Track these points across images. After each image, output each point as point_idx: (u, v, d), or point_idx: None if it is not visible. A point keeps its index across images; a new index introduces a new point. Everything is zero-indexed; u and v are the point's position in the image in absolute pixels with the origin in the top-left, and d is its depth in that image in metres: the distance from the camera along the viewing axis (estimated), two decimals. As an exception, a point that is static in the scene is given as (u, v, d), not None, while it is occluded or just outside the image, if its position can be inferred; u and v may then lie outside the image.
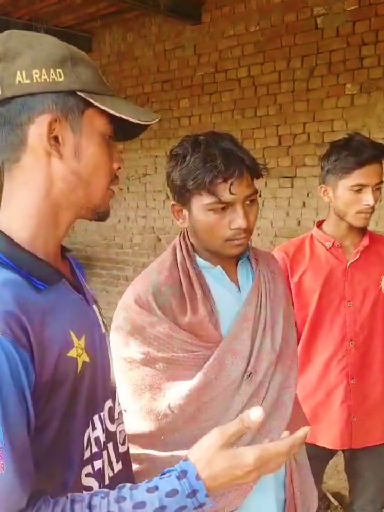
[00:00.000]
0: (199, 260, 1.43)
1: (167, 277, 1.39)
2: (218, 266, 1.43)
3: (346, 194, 1.86)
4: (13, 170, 0.94)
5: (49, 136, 0.91)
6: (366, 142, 1.88)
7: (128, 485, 0.89)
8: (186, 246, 1.44)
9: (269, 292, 1.47)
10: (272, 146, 4.91)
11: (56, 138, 0.92)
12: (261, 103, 4.93)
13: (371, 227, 4.24)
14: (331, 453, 2.09)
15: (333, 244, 1.97)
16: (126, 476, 1.10)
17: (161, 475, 0.90)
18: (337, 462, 2.84)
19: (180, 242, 1.45)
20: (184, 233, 1.47)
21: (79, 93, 0.91)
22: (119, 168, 1.01)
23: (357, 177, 1.83)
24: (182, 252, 1.43)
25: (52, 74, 0.90)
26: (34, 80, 0.89)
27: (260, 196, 5.05)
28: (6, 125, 0.91)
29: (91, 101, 0.92)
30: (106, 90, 0.97)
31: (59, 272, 0.97)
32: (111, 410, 1.07)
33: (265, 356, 1.40)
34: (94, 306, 1.09)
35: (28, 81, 0.89)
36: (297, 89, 4.68)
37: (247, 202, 1.35)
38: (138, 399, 1.38)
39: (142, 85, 5.86)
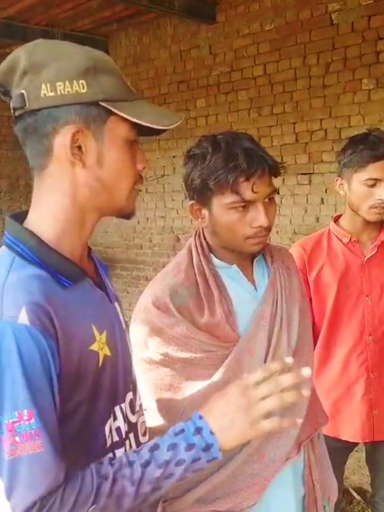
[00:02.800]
0: (215, 260, 1.44)
1: (183, 278, 1.40)
2: (234, 266, 1.44)
3: (360, 188, 1.87)
4: (42, 175, 1.00)
5: (72, 146, 0.95)
6: (383, 137, 1.88)
7: (148, 445, 0.96)
8: (202, 246, 1.44)
9: (284, 288, 1.47)
10: (289, 143, 4.91)
11: (79, 147, 0.96)
12: (277, 100, 4.94)
13: None
14: (352, 446, 2.09)
15: (350, 239, 1.98)
16: None
17: (175, 431, 0.97)
18: (360, 457, 2.84)
19: (196, 243, 1.46)
20: (199, 233, 1.48)
21: (101, 103, 0.95)
22: (144, 168, 1.04)
23: (371, 171, 1.84)
24: (198, 252, 1.43)
25: (75, 86, 0.93)
26: (59, 93, 0.93)
27: (278, 193, 5.05)
28: (33, 134, 0.97)
29: (113, 110, 0.95)
30: (130, 95, 1.00)
31: (83, 270, 1.01)
32: (132, 402, 1.11)
33: (281, 353, 1.40)
34: (116, 303, 1.14)
35: (52, 93, 0.93)
36: (313, 86, 4.67)
37: (267, 200, 1.35)
38: (158, 399, 1.40)
39: (159, 86, 5.89)
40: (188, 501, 1.35)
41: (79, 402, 0.95)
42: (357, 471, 3.13)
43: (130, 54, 6.12)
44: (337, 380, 1.99)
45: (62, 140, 0.95)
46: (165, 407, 1.39)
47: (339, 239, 2.00)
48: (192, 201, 1.42)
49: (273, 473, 1.38)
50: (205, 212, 1.39)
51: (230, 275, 1.43)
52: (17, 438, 0.83)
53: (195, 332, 1.35)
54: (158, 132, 1.03)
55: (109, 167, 0.98)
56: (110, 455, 0.94)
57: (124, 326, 1.13)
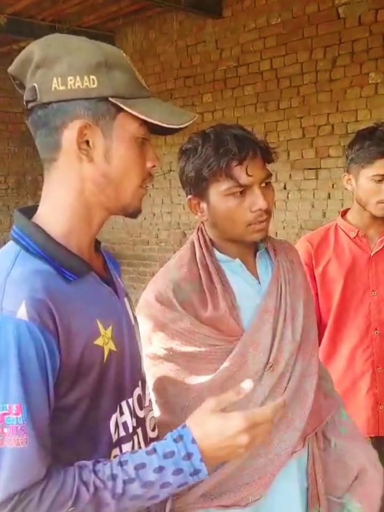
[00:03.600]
0: (218, 254, 1.43)
1: (186, 272, 1.40)
2: (237, 260, 1.43)
3: (368, 183, 1.87)
4: (51, 169, 1.00)
5: (80, 141, 0.96)
6: None
7: (135, 461, 0.93)
8: (205, 240, 1.44)
9: (288, 282, 1.46)
10: (296, 138, 4.89)
11: (87, 142, 0.96)
12: (284, 95, 4.92)
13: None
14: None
15: (357, 233, 1.98)
16: None
17: (165, 453, 0.94)
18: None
19: (198, 237, 1.45)
20: (201, 228, 1.47)
21: (111, 99, 0.95)
22: (154, 166, 1.04)
23: (378, 167, 1.84)
24: (201, 246, 1.43)
25: (86, 81, 0.93)
26: (69, 87, 0.93)
27: (285, 188, 5.04)
28: (44, 127, 0.97)
29: (122, 106, 0.95)
30: (141, 92, 0.99)
31: (88, 265, 1.01)
32: (140, 398, 1.11)
33: (286, 347, 1.40)
34: (125, 299, 1.14)
35: (63, 87, 0.94)
36: (320, 80, 4.65)
37: (263, 185, 1.35)
38: (163, 394, 1.40)
39: (165, 82, 5.89)
40: (194, 497, 1.35)
41: (82, 396, 0.95)
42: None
43: (137, 49, 6.12)
44: (343, 375, 1.99)
45: (70, 134, 0.95)
46: (169, 402, 1.39)
47: (346, 234, 2.00)
48: (190, 196, 1.42)
49: (278, 467, 1.38)
50: (203, 205, 1.39)
51: (233, 269, 1.43)
52: (5, 429, 0.85)
53: (199, 326, 1.35)
54: (171, 130, 1.02)
55: (116, 163, 0.98)
56: (93, 461, 0.93)
57: (132, 321, 1.14)
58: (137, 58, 6.09)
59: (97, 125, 0.96)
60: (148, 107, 0.97)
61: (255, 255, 1.47)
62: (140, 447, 1.08)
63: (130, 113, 0.96)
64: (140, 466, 0.92)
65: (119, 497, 0.90)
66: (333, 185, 4.69)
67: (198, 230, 1.47)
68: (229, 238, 1.41)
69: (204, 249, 1.43)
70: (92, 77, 0.94)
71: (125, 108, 0.95)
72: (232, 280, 1.42)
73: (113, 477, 0.90)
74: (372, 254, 1.96)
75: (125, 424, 1.04)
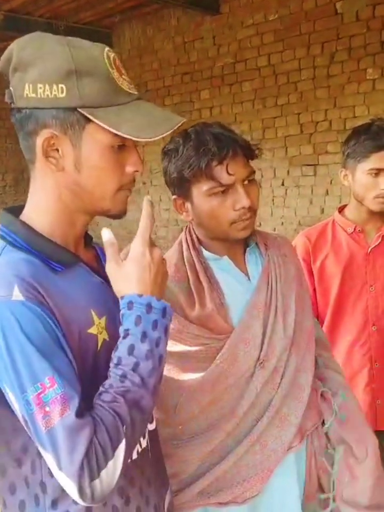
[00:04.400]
0: (206, 253, 1.42)
1: (174, 272, 1.39)
2: (225, 257, 1.42)
3: (364, 178, 1.87)
4: (32, 171, 1.01)
5: (48, 151, 0.95)
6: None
7: (123, 351, 0.95)
8: (192, 239, 1.43)
9: (279, 276, 1.45)
10: (294, 134, 4.89)
11: (58, 150, 0.95)
12: (281, 91, 4.92)
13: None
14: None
15: (354, 229, 1.98)
16: (155, 452, 1.14)
17: (135, 322, 0.96)
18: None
19: (186, 237, 1.44)
20: (189, 227, 1.46)
21: (79, 110, 0.93)
22: (137, 171, 1.01)
23: (373, 161, 1.83)
24: (188, 246, 1.42)
25: (54, 90, 0.92)
26: (39, 96, 0.92)
27: (283, 184, 5.05)
28: (20, 131, 0.98)
29: (90, 118, 0.93)
30: (117, 99, 0.96)
31: (75, 256, 1.02)
32: None
33: (277, 342, 1.39)
34: None
35: (33, 95, 0.93)
36: (317, 76, 4.65)
37: (246, 182, 1.34)
38: None
39: (163, 78, 5.88)
40: (191, 494, 1.35)
41: (80, 383, 0.96)
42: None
43: (134, 46, 6.11)
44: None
45: (40, 142, 0.95)
46: (161, 400, 1.38)
47: (343, 229, 2.00)
48: (174, 196, 1.41)
49: (275, 463, 1.38)
50: (187, 204, 1.38)
51: (222, 267, 1.42)
52: (47, 408, 0.85)
53: (187, 325, 1.35)
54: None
55: (87, 173, 0.97)
56: (100, 387, 0.94)
57: None
58: (135, 55, 6.09)
59: (65, 134, 0.94)
60: (119, 117, 0.94)
61: (244, 252, 1.47)
62: (138, 441, 1.09)
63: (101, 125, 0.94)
64: (130, 350, 0.93)
65: (141, 384, 0.92)
66: (331, 181, 4.70)
67: (185, 230, 1.47)
68: (214, 236, 1.41)
69: (191, 248, 1.42)
70: (60, 85, 0.92)
71: (92, 119, 0.93)
72: (221, 278, 1.41)
73: (124, 376, 0.92)
74: (369, 250, 1.96)
75: None
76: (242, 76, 5.18)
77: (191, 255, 1.42)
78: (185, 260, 1.42)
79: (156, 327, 0.95)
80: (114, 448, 0.87)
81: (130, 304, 0.96)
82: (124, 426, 0.88)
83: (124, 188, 1.02)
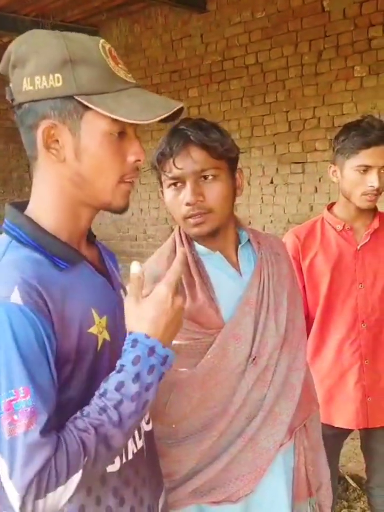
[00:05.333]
0: (198, 247, 1.43)
1: (165, 266, 1.38)
2: (218, 253, 1.42)
3: (352, 174, 1.87)
4: (34, 166, 1.00)
5: (48, 142, 0.95)
6: (375, 123, 1.88)
7: (112, 384, 0.94)
8: (185, 234, 1.44)
9: (272, 274, 1.46)
10: (282, 132, 4.90)
11: (58, 141, 0.95)
12: (269, 89, 4.93)
13: (381, 209, 4.24)
14: (346, 433, 2.10)
15: (344, 226, 1.98)
16: (150, 452, 1.14)
17: (132, 361, 0.95)
18: (355, 444, 2.86)
19: (178, 231, 1.45)
20: None
21: (76, 97, 0.93)
22: (139, 160, 1.01)
23: (362, 157, 1.84)
24: (181, 240, 1.44)
25: (51, 80, 0.92)
26: (36, 88, 0.93)
27: (272, 182, 5.05)
28: (22, 127, 0.98)
29: (87, 104, 0.93)
30: (115, 85, 0.96)
31: (80, 254, 1.02)
32: None
33: (269, 339, 1.40)
34: (121, 291, 1.14)
35: (31, 88, 0.93)
36: (305, 74, 4.66)
37: (202, 178, 1.34)
38: None
39: (151, 76, 5.87)
40: (184, 493, 1.35)
41: (79, 384, 0.96)
42: (353, 458, 3.15)
43: (122, 44, 6.09)
44: (331, 367, 2.00)
45: (40, 134, 0.95)
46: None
47: (333, 227, 2.00)
48: (160, 188, 1.45)
49: (267, 462, 1.39)
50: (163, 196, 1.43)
51: (214, 262, 1.42)
52: (15, 416, 0.84)
53: None
54: (165, 119, 0.99)
55: (88, 162, 0.97)
56: (79, 411, 0.93)
57: None
58: (123, 53, 6.06)
59: (64, 123, 0.94)
60: (116, 102, 0.94)
61: (237, 248, 1.47)
62: (134, 441, 1.09)
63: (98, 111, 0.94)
64: (119, 386, 0.92)
65: (118, 423, 0.90)
66: (319, 179, 4.71)
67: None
68: None
69: (185, 243, 1.43)
70: (57, 75, 0.92)
71: (89, 105, 0.93)
72: (213, 273, 1.41)
73: (103, 409, 0.91)
74: (358, 247, 1.97)
75: None
76: (230, 73, 5.18)
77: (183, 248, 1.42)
78: (177, 253, 1.42)
79: (151, 372, 0.94)
80: (69, 475, 0.86)
81: (134, 342, 0.95)
82: (86, 458, 0.88)
83: (125, 179, 1.01)
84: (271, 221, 5.06)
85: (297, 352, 1.47)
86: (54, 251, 0.96)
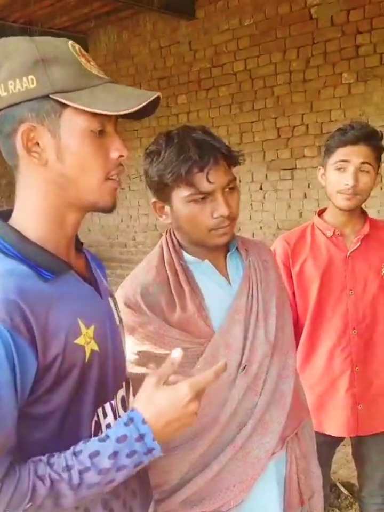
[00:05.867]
0: (187, 256, 1.42)
1: (155, 276, 1.39)
2: (206, 261, 1.41)
3: (332, 174, 1.88)
4: (17, 175, 0.99)
5: (29, 145, 0.94)
6: (356, 125, 1.90)
7: (89, 450, 0.92)
8: (173, 242, 1.43)
9: (260, 282, 1.45)
10: (271, 139, 4.92)
11: (38, 144, 0.94)
12: (258, 96, 4.94)
13: (373, 214, 4.26)
14: (338, 440, 2.10)
15: (333, 232, 1.97)
16: None
17: (118, 437, 0.94)
18: (347, 451, 2.85)
19: (167, 240, 1.44)
20: (170, 230, 1.45)
21: (52, 96, 0.92)
22: (121, 156, 0.99)
23: (339, 154, 1.85)
24: (169, 249, 1.42)
25: (25, 82, 0.91)
26: (10, 92, 0.92)
27: (261, 188, 5.07)
28: (0, 135, 0.96)
29: (63, 101, 0.92)
30: (88, 81, 0.95)
31: (66, 263, 1.00)
32: (123, 400, 1.10)
33: (259, 347, 1.39)
34: (109, 299, 1.13)
35: (5, 94, 0.92)
36: (294, 81, 4.68)
37: (227, 189, 1.34)
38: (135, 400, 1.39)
39: (139, 83, 5.87)
40: (174, 503, 1.34)
41: (64, 396, 0.94)
42: (345, 465, 3.14)
43: (110, 51, 6.09)
44: (322, 374, 1.99)
45: (19, 139, 0.94)
46: None
47: (323, 233, 2.00)
48: (154, 199, 1.40)
49: (259, 471, 1.38)
50: (167, 208, 1.38)
51: (202, 271, 1.42)
52: None
53: (168, 329, 1.34)
54: (137, 115, 0.98)
55: (70, 161, 0.95)
56: (48, 455, 0.92)
57: (117, 322, 1.13)
58: (111, 60, 6.07)
59: (43, 125, 0.93)
60: (92, 96, 0.93)
61: (225, 256, 1.46)
62: None
63: (76, 107, 0.93)
64: (94, 454, 0.91)
65: (76, 487, 0.89)
66: (308, 185, 4.73)
67: (167, 233, 1.46)
68: (193, 241, 1.40)
69: (172, 252, 1.41)
70: (30, 76, 0.91)
71: (65, 102, 0.92)
72: (202, 282, 1.40)
73: (69, 468, 0.89)
74: (348, 253, 1.96)
75: (108, 427, 1.03)
76: (218, 80, 5.19)
77: (172, 258, 1.41)
78: (166, 262, 1.41)
79: (130, 456, 0.92)
80: (5, 509, 0.86)
81: (130, 420, 0.94)
82: (29, 504, 0.87)
83: (110, 176, 1.00)
84: (261, 227, 5.07)
85: (286, 360, 1.46)
86: (39, 261, 0.94)
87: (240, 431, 1.37)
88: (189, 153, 1.27)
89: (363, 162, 1.85)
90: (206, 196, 1.31)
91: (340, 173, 1.86)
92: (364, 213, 2.02)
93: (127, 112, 0.94)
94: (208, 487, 1.35)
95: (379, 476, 2.10)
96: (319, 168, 1.98)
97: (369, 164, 1.86)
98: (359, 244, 1.96)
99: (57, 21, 5.63)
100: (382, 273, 1.96)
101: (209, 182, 1.29)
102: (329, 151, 1.89)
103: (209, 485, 1.35)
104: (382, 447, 2.03)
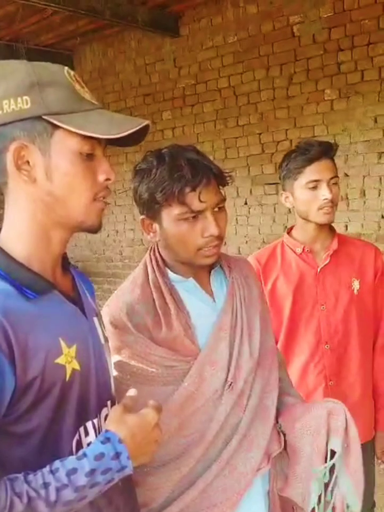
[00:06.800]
0: (171, 274, 1.42)
1: (139, 295, 1.39)
2: (191, 279, 1.42)
3: (304, 193, 1.90)
4: (5, 192, 1.01)
5: (19, 162, 0.96)
6: (312, 141, 1.93)
7: (66, 467, 0.93)
8: (157, 261, 1.43)
9: (243, 298, 1.46)
10: (256, 154, 4.96)
11: (28, 162, 0.96)
12: (242, 112, 4.99)
13: (356, 230, 4.32)
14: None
15: (303, 249, 1.99)
16: (124, 481, 1.12)
17: (95, 455, 0.95)
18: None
19: (150, 258, 1.44)
20: (154, 248, 1.46)
21: (44, 117, 0.95)
22: (108, 179, 1.02)
23: (308, 173, 1.87)
24: (153, 267, 1.42)
25: (19, 103, 0.94)
26: (4, 111, 0.94)
27: (246, 203, 5.10)
28: None
29: (55, 122, 0.95)
30: (82, 106, 0.98)
31: (50, 283, 1.01)
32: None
33: (244, 364, 1.40)
34: (95, 318, 1.14)
35: (0, 112, 0.95)
36: (277, 97, 4.74)
37: (216, 209, 1.35)
38: None
39: (125, 99, 5.91)
40: None
41: (44, 414, 0.95)
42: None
43: (96, 68, 6.13)
44: (296, 389, 2.00)
45: (9, 157, 0.96)
46: None
47: (292, 250, 2.02)
48: (142, 216, 1.40)
49: (245, 487, 1.38)
50: (155, 226, 1.38)
51: (187, 289, 1.42)
52: None
53: (154, 348, 1.34)
54: (125, 142, 1.01)
55: (59, 181, 0.98)
56: (24, 473, 0.93)
57: (102, 340, 1.14)
58: (96, 77, 6.10)
59: (34, 144, 0.96)
60: (84, 120, 0.96)
61: (209, 274, 1.47)
62: None
63: (67, 129, 0.96)
64: (71, 472, 0.92)
65: (52, 504, 0.90)
66: (293, 199, 4.76)
67: (150, 251, 1.46)
68: (180, 259, 1.41)
69: (157, 270, 1.42)
70: (25, 97, 0.94)
71: (58, 123, 0.95)
72: (187, 299, 1.41)
73: (46, 485, 0.90)
74: (319, 269, 1.97)
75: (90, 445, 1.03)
76: (203, 97, 5.24)
77: (156, 276, 1.41)
78: (150, 281, 1.41)
79: (105, 474, 0.94)
80: None
81: (106, 440, 0.96)
82: None
83: (97, 198, 1.02)
84: (246, 241, 5.09)
85: (269, 375, 1.47)
86: (23, 281, 0.96)
87: (226, 448, 1.37)
88: (182, 172, 1.29)
89: (332, 177, 1.88)
90: (196, 215, 1.32)
91: (313, 190, 1.88)
92: (331, 229, 2.05)
93: (117, 136, 0.97)
94: (195, 504, 1.35)
95: None
96: (281, 193, 1.99)
97: (337, 177, 1.91)
98: (329, 259, 1.98)
99: (43, 38, 5.65)
100: (352, 288, 1.98)
101: (200, 201, 1.30)
102: (294, 173, 1.90)
103: (196, 502, 1.35)
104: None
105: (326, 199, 1.86)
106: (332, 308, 1.97)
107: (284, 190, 1.99)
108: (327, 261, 1.98)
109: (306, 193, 1.89)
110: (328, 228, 2.02)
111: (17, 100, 0.94)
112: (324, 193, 1.86)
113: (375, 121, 4.25)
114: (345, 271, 1.99)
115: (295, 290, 1.97)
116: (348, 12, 4.24)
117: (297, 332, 1.97)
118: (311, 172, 1.87)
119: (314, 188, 1.88)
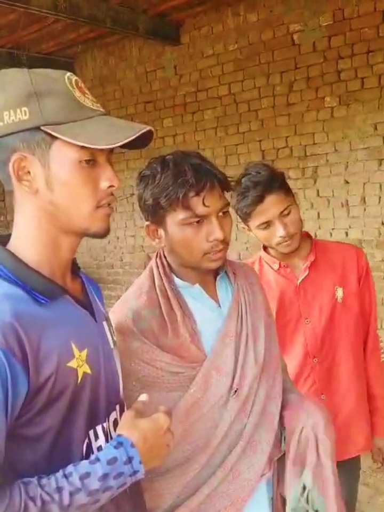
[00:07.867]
0: (177, 280, 1.42)
1: (146, 300, 1.39)
2: (197, 285, 1.42)
3: (259, 233, 1.86)
4: (13, 199, 1.03)
5: (20, 174, 0.98)
6: (249, 183, 1.80)
7: (79, 471, 0.94)
8: (163, 266, 1.43)
9: (248, 304, 1.47)
10: (256, 161, 4.97)
11: (29, 173, 0.98)
12: (243, 119, 5.01)
13: (357, 236, 4.32)
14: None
15: (280, 265, 1.96)
16: (133, 486, 1.13)
17: (108, 459, 0.97)
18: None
19: (157, 264, 1.44)
20: (160, 253, 1.46)
21: (42, 128, 0.95)
22: (112, 186, 1.02)
23: (256, 218, 1.82)
24: (159, 273, 1.42)
25: (18, 114, 0.95)
26: (5, 122, 0.96)
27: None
28: None
29: (53, 133, 0.95)
30: (81, 114, 0.98)
31: (61, 288, 1.02)
32: (116, 422, 1.11)
33: (249, 370, 1.40)
34: (104, 323, 1.15)
35: (0, 124, 0.96)
36: (277, 104, 4.76)
37: (221, 214, 1.36)
38: None
39: (126, 107, 5.93)
40: None
41: (55, 418, 0.96)
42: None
43: (97, 75, 6.16)
44: None
45: (11, 167, 0.97)
46: None
47: (270, 266, 1.99)
48: (147, 222, 1.41)
49: (249, 493, 1.38)
50: (161, 231, 1.39)
51: (193, 295, 1.42)
52: None
53: (160, 354, 1.34)
54: (131, 145, 1.01)
55: (59, 190, 0.98)
56: (38, 477, 0.93)
57: (111, 345, 1.15)
58: (97, 84, 6.13)
59: (34, 155, 0.97)
60: (83, 129, 0.97)
61: (214, 280, 1.47)
62: None
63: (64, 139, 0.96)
64: (84, 476, 0.93)
65: (66, 508, 0.90)
66: (293, 206, 4.77)
67: (157, 256, 1.47)
68: (186, 265, 1.41)
69: (163, 276, 1.42)
70: (23, 108, 0.95)
71: (55, 134, 0.95)
72: (193, 305, 1.41)
73: (59, 490, 0.90)
74: (298, 283, 1.94)
75: (100, 449, 1.04)
76: (204, 104, 5.27)
77: (163, 282, 1.41)
78: (157, 287, 1.41)
79: (117, 478, 0.96)
80: None
81: (119, 445, 0.98)
82: None
83: (102, 205, 1.02)
84: (247, 247, 5.10)
85: (274, 381, 1.47)
86: (34, 286, 0.97)
87: (230, 454, 1.38)
88: (186, 177, 1.29)
89: (282, 211, 1.80)
90: (201, 220, 1.32)
91: (267, 229, 1.83)
92: (309, 237, 2.01)
93: (113, 146, 0.97)
94: (199, 510, 1.35)
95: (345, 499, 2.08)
96: (240, 224, 1.93)
97: (288, 205, 1.82)
98: (307, 271, 1.94)
99: (44, 46, 5.68)
100: (336, 297, 1.95)
101: (205, 205, 1.31)
102: (245, 218, 1.85)
103: (200, 508, 1.35)
104: (347, 473, 1.97)
105: (282, 236, 1.81)
106: (317, 320, 1.93)
107: (242, 221, 1.91)
108: (307, 273, 1.94)
109: (261, 232, 1.85)
110: (304, 237, 1.97)
111: (17, 111, 0.95)
112: (278, 231, 1.80)
113: (375, 128, 4.26)
114: (327, 280, 1.95)
115: (278, 307, 1.93)
116: (348, 20, 4.27)
117: (283, 348, 1.88)
118: (257, 215, 1.81)
119: (267, 226, 1.82)
